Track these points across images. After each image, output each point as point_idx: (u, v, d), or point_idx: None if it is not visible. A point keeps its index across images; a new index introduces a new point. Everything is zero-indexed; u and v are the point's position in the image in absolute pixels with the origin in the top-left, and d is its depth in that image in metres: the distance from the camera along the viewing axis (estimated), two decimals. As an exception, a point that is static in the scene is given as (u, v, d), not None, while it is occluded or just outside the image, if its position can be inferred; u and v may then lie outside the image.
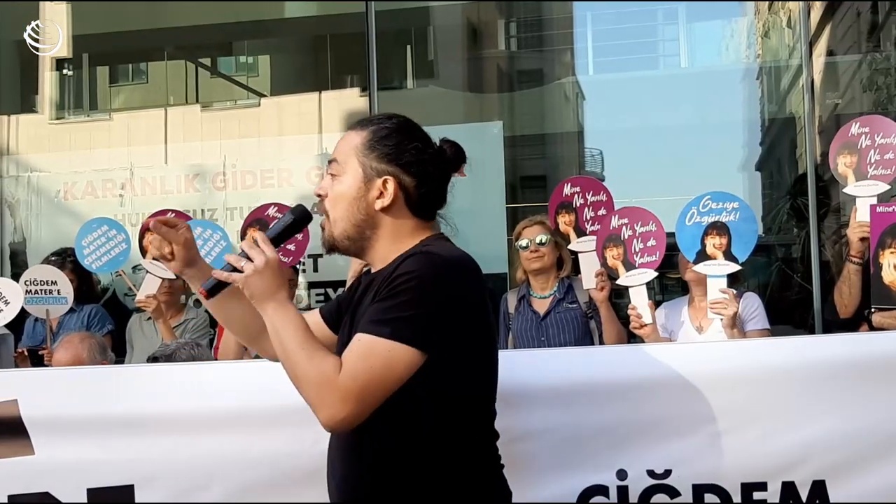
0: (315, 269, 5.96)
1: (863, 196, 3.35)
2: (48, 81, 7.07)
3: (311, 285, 5.97)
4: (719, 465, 2.37)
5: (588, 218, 3.74)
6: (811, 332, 5.10)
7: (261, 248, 1.78)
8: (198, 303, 5.59)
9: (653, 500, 2.40)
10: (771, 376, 2.39)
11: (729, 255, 3.31)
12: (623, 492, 2.40)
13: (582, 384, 2.44)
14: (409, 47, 7.57)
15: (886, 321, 3.16)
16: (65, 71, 7.14)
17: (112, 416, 2.50)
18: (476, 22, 7.70)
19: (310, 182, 6.01)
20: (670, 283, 5.09)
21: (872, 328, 3.22)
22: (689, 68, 7.47)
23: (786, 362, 2.41)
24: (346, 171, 1.86)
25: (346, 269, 4.00)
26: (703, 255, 3.35)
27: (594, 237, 3.66)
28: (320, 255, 5.90)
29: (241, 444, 2.44)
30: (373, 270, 1.90)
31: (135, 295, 4.18)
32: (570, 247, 3.79)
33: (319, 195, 1.90)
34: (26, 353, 4.38)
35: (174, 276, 4.19)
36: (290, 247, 3.90)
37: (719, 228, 3.33)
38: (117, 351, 4.22)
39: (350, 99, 6.88)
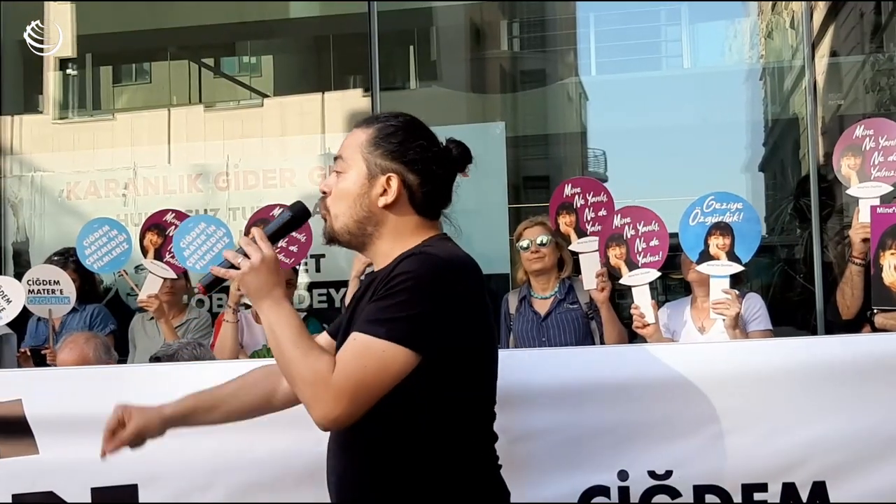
0: (318, 270, 5.97)
1: (866, 197, 3.35)
2: (52, 81, 7.07)
3: (314, 286, 5.98)
4: (720, 466, 2.37)
5: (589, 219, 3.75)
6: (813, 333, 5.10)
7: (258, 244, 1.78)
8: (200, 302, 5.60)
9: (654, 501, 2.40)
10: (772, 377, 2.38)
11: (732, 256, 3.31)
12: (624, 492, 2.40)
13: (583, 384, 2.44)
14: (411, 48, 7.56)
15: (889, 322, 3.15)
16: (68, 71, 7.14)
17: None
18: (479, 22, 7.70)
19: (312, 182, 6.01)
20: (673, 284, 5.09)
21: (875, 329, 3.21)
22: (693, 69, 7.44)
23: (787, 363, 2.41)
24: (351, 168, 1.86)
25: (349, 269, 4.00)
26: (706, 256, 3.35)
27: (595, 238, 3.66)
28: (323, 256, 5.90)
29: (245, 444, 2.45)
30: (374, 268, 1.90)
31: (137, 295, 4.19)
32: (570, 247, 3.80)
33: (324, 192, 1.90)
34: (29, 353, 4.39)
35: (176, 276, 4.21)
36: (293, 248, 3.89)
37: (723, 229, 3.33)
38: (120, 351, 4.22)
39: (353, 99, 6.88)
